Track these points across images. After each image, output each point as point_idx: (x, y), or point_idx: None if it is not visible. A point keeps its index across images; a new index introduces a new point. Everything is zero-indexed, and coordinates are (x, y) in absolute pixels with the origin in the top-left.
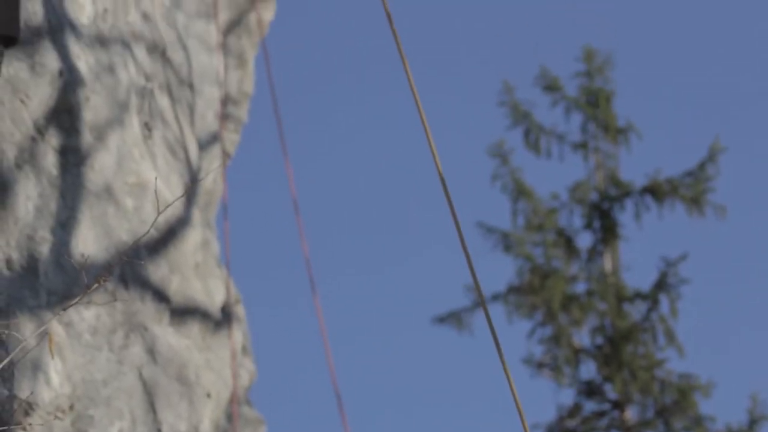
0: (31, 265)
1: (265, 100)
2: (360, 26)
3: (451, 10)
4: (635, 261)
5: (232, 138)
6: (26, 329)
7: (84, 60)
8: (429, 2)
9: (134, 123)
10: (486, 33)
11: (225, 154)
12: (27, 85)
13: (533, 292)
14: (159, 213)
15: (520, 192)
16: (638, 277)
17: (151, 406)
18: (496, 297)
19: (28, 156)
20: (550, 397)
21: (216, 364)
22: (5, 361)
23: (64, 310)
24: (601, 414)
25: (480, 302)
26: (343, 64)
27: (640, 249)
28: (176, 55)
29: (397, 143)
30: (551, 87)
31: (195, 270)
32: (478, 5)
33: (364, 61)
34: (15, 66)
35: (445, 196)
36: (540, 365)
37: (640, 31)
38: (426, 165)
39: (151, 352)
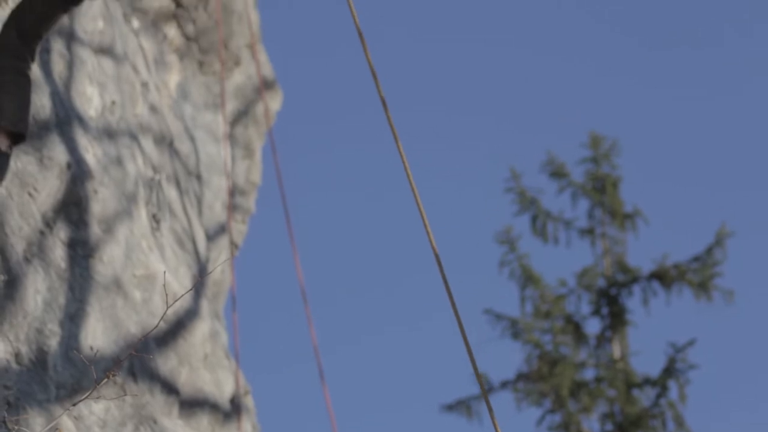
0: (41, 358)
1: (273, 189)
2: (361, 112)
3: (458, 97)
4: (644, 347)
5: (239, 228)
6: (36, 424)
7: (92, 152)
8: (433, 88)
9: (142, 215)
10: (492, 120)
11: (233, 245)
12: (35, 178)
13: (542, 379)
14: (168, 306)
15: (527, 278)
16: (647, 362)
17: None
18: (504, 384)
19: (37, 249)
20: None
21: None
22: None
23: (74, 405)
24: None
25: (482, 393)
26: (348, 154)
27: (649, 335)
28: (184, 146)
29: (403, 230)
30: (558, 173)
31: (204, 361)
32: (485, 92)
33: (369, 148)
34: (23, 160)
35: (447, 293)
36: None
37: (646, 116)
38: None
39: None
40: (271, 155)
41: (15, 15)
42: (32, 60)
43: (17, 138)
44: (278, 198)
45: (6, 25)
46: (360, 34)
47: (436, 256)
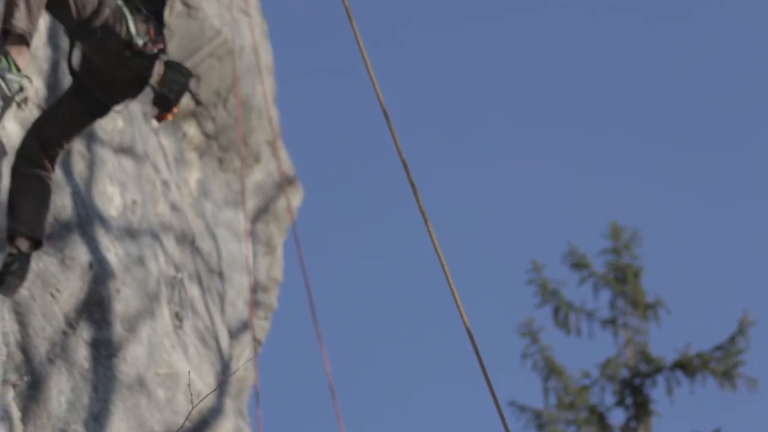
0: None
1: (294, 284)
2: (385, 204)
3: (478, 189)
4: None
5: (262, 325)
6: None
7: (114, 252)
8: (455, 180)
9: (165, 313)
10: (512, 212)
11: (256, 342)
12: (57, 279)
13: None
14: (193, 406)
15: (550, 370)
16: None
17: None
18: None
19: (60, 350)
20: None
21: None
22: None
23: None
24: None
25: None
26: (370, 247)
27: (673, 424)
28: (205, 244)
29: (429, 322)
30: (579, 264)
31: None
32: (504, 183)
33: (390, 240)
34: (45, 260)
35: (483, 374)
36: None
37: (667, 206)
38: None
39: None
40: (289, 250)
41: (38, 125)
42: (53, 169)
43: (35, 243)
44: (300, 293)
45: (29, 133)
46: (386, 117)
47: (470, 335)
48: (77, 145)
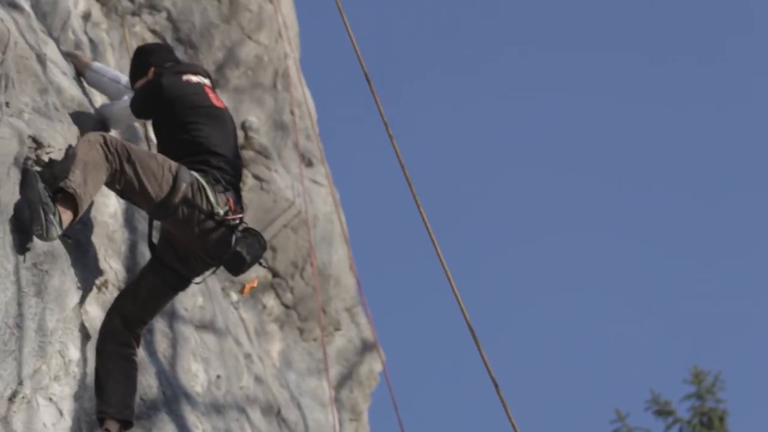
0: None
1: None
2: (462, 362)
3: (559, 343)
4: None
5: None
6: None
7: (201, 429)
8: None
9: None
10: (594, 359)
11: None
12: None
13: None
14: None
15: None
16: None
17: None
18: None
19: None
20: None
21: None
22: None
23: None
24: None
25: None
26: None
27: None
28: (291, 414)
29: None
30: (663, 411)
31: None
32: (583, 336)
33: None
34: None
35: None
36: None
37: (749, 347)
38: None
39: None
40: (373, 415)
41: (120, 302)
42: (137, 345)
43: (125, 425)
44: None
45: (111, 311)
46: (439, 256)
47: None
48: (159, 325)
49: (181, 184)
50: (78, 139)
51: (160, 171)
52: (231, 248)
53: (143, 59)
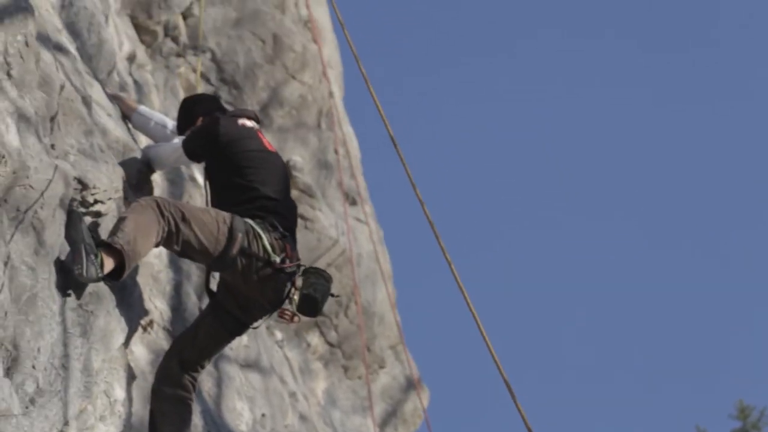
0: None
1: None
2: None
3: (599, 380)
4: None
5: None
6: None
7: None
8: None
9: None
10: (639, 391)
11: None
12: None
13: None
14: None
15: None
16: None
17: None
18: None
19: None
20: None
21: None
22: None
23: None
24: None
25: None
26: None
27: None
28: None
29: None
30: None
31: None
32: (626, 368)
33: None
34: None
35: None
36: None
37: None
38: None
39: None
40: None
41: (177, 346)
42: (194, 390)
43: None
44: None
45: (169, 354)
46: (465, 299)
47: None
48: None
49: (237, 235)
50: (123, 182)
51: (215, 225)
52: (289, 295)
53: (190, 109)
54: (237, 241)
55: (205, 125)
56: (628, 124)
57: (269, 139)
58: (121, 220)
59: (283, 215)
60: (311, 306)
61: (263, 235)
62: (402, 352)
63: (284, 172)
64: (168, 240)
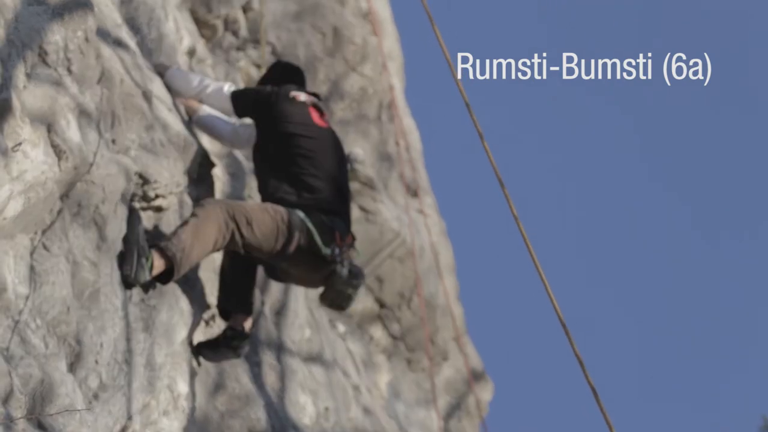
0: None
1: None
2: (570, 394)
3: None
4: None
5: None
6: None
7: None
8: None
9: None
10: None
11: None
12: None
13: None
14: None
15: None
16: None
17: None
18: None
19: None
20: None
21: None
22: None
23: None
24: None
25: None
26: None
27: None
28: None
29: None
30: None
31: None
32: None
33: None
34: None
35: None
36: None
37: None
38: None
39: None
40: None
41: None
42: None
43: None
44: None
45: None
46: (555, 309)
47: None
48: (267, 357)
49: (295, 233)
50: (184, 177)
51: (274, 225)
52: (338, 279)
53: (272, 70)
54: (294, 240)
55: (262, 88)
56: None
57: None
58: (182, 224)
59: (332, 197)
60: (340, 302)
61: (314, 232)
62: (466, 344)
63: (336, 152)
64: (230, 243)
